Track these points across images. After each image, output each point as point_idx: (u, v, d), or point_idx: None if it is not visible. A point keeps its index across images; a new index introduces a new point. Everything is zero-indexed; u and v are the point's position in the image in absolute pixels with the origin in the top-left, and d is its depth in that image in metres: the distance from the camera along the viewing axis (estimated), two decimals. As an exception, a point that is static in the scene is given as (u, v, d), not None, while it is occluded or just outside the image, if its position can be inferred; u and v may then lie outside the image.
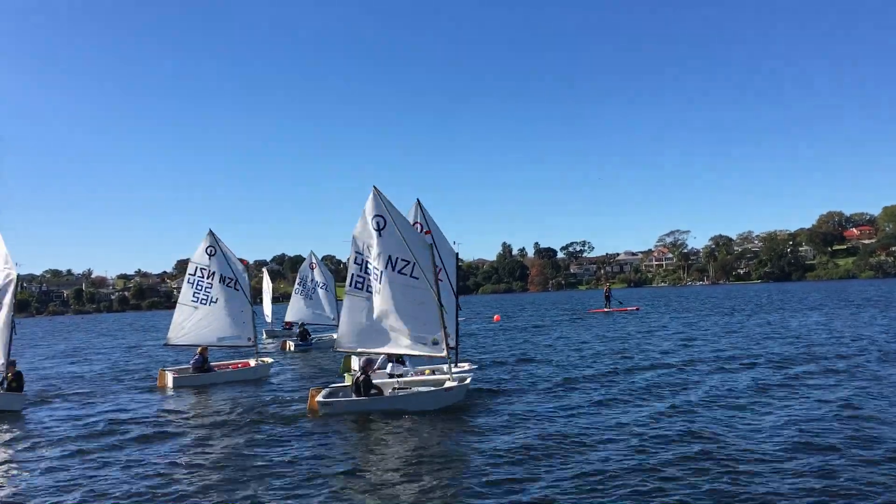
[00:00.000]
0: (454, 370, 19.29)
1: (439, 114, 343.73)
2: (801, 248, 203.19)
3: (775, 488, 9.96)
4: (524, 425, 14.89)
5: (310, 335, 38.89)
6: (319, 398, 16.89)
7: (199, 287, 25.29)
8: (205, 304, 25.19)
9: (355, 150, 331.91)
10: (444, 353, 18.53)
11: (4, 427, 17.02)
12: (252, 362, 25.67)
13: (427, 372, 20.46)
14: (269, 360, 26.77)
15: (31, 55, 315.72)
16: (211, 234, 25.76)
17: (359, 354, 19.17)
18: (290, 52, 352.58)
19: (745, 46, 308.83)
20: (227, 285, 25.52)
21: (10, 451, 14.50)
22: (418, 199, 21.59)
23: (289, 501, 10.36)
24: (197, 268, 25.43)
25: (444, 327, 18.50)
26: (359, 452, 13.29)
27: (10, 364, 19.51)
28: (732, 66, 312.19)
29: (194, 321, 25.12)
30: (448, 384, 18.09)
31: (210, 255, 25.49)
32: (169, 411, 18.88)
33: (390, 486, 10.82)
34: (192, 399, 20.95)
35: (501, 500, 10.02)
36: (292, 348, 37.03)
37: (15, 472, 12.76)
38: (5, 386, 19.31)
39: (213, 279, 25.39)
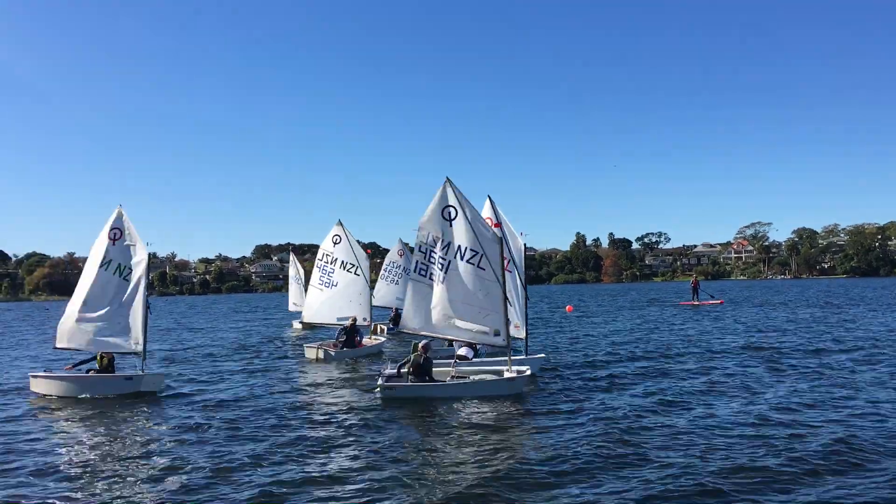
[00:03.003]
0: (524, 359, 19.96)
1: (519, 101, 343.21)
2: (890, 243, 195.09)
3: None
4: (585, 418, 14.60)
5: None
6: (380, 381, 17.50)
7: (325, 271, 28.77)
8: (328, 287, 28.56)
9: (433, 140, 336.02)
10: (505, 344, 18.78)
11: (142, 409, 17.05)
12: (367, 341, 28.20)
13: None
14: (382, 339, 29.92)
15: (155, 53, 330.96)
16: (339, 224, 29.13)
17: (422, 337, 19.54)
18: (385, 47, 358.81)
19: (841, 37, 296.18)
20: (347, 270, 28.68)
21: (158, 427, 14.84)
22: (489, 196, 22.34)
23: (329, 474, 11.03)
24: (324, 254, 28.89)
25: (507, 320, 18.73)
26: (411, 437, 13.57)
27: None
28: (819, 56, 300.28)
29: (320, 301, 28.57)
30: (507, 374, 18.26)
31: (335, 244, 28.87)
32: (285, 389, 19.71)
33: (436, 471, 11.10)
34: (313, 373, 22.43)
35: (554, 496, 9.83)
36: (384, 331, 39.05)
37: (163, 449, 13.08)
38: (98, 368, 18.64)
39: (334, 265, 28.70)
